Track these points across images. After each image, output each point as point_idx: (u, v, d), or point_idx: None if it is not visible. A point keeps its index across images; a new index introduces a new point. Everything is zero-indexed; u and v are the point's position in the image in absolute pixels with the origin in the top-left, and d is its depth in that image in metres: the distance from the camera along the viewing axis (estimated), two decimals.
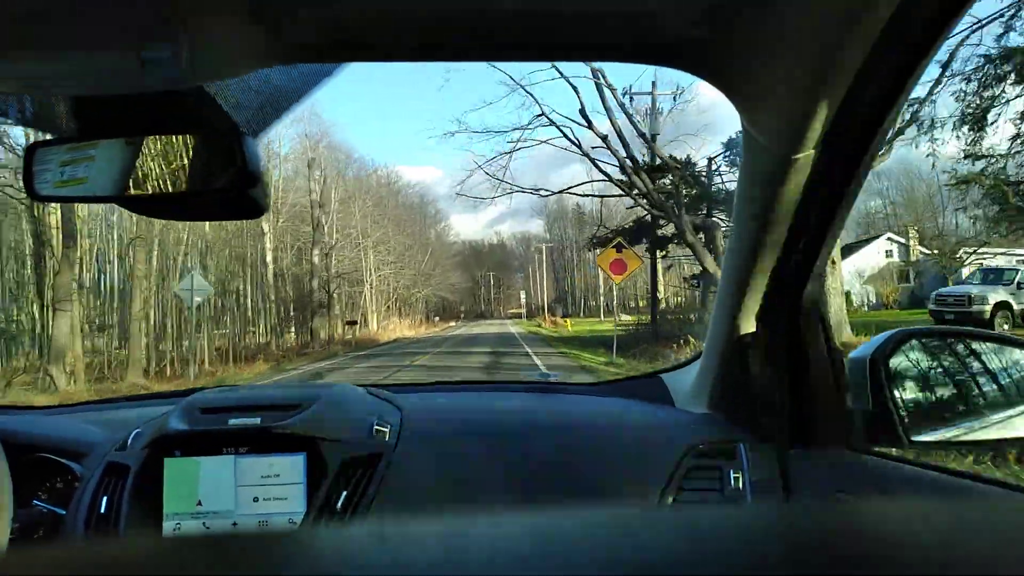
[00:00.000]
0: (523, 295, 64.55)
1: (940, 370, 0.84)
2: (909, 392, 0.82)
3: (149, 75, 0.50)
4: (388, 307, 42.01)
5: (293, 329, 25.24)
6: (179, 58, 0.48)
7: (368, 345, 23.88)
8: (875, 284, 25.56)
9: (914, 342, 0.84)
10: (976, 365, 0.83)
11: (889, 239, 27.66)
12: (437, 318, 56.75)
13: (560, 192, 17.05)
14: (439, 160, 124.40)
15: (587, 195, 16.92)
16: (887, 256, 27.21)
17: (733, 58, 0.63)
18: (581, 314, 62.66)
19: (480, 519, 0.26)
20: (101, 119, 0.62)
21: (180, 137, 0.61)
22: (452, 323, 64.47)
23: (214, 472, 1.01)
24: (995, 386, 0.82)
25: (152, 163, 0.61)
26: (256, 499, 1.00)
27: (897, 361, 0.82)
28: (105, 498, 0.97)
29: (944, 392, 0.84)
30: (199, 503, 0.99)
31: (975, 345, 0.84)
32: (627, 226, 18.70)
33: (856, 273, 25.64)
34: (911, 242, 27.23)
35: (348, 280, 32.84)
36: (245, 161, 0.59)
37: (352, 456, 1.00)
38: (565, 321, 32.47)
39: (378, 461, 1.00)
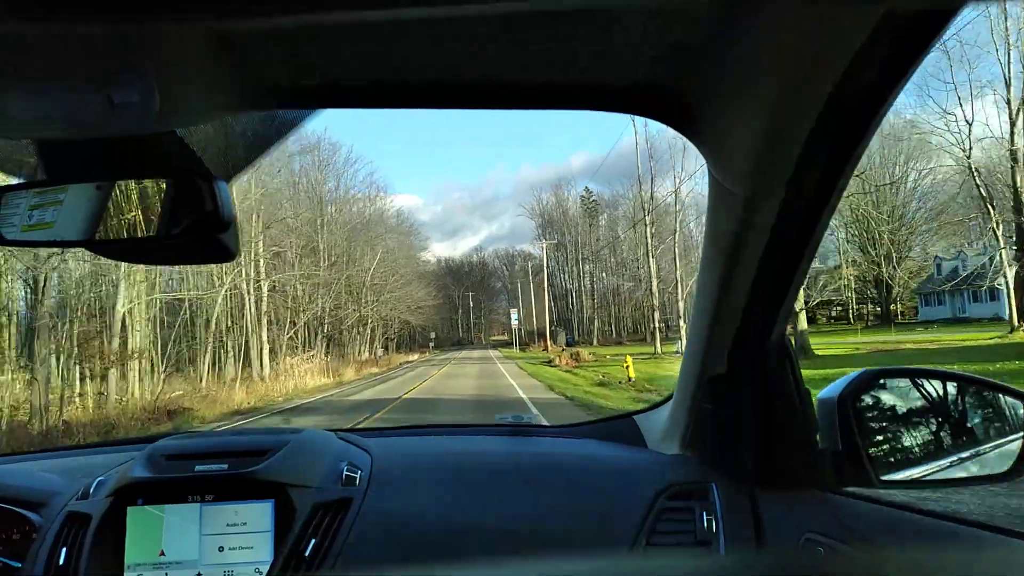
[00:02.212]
0: (514, 315, 59.24)
1: (908, 409, 1.05)
2: (878, 432, 1.02)
3: (119, 119, 0.60)
4: (303, 336, 31.82)
5: None
6: (150, 102, 0.57)
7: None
8: None
9: (882, 381, 1.05)
10: (944, 404, 1.04)
11: None
12: (381, 351, 44.99)
13: None
14: (419, 188, 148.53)
15: None
16: None
17: (695, 104, 0.76)
18: (594, 342, 56.53)
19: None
20: (70, 163, 0.74)
21: (151, 181, 0.73)
22: (412, 357, 52.31)
23: (178, 521, 1.16)
24: (962, 424, 1.03)
25: (122, 207, 0.73)
26: (221, 548, 1.16)
27: (866, 401, 1.02)
28: (64, 549, 1.13)
29: (912, 431, 1.04)
30: (162, 553, 1.15)
31: (942, 384, 1.05)
32: None
33: None
34: None
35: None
36: (216, 206, 0.71)
37: (321, 502, 1.17)
38: (626, 364, 18.30)
39: (348, 507, 1.18)
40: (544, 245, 59.71)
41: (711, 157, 0.87)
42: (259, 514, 1.19)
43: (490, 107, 0.80)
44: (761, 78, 0.69)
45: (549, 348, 45.90)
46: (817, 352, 19.89)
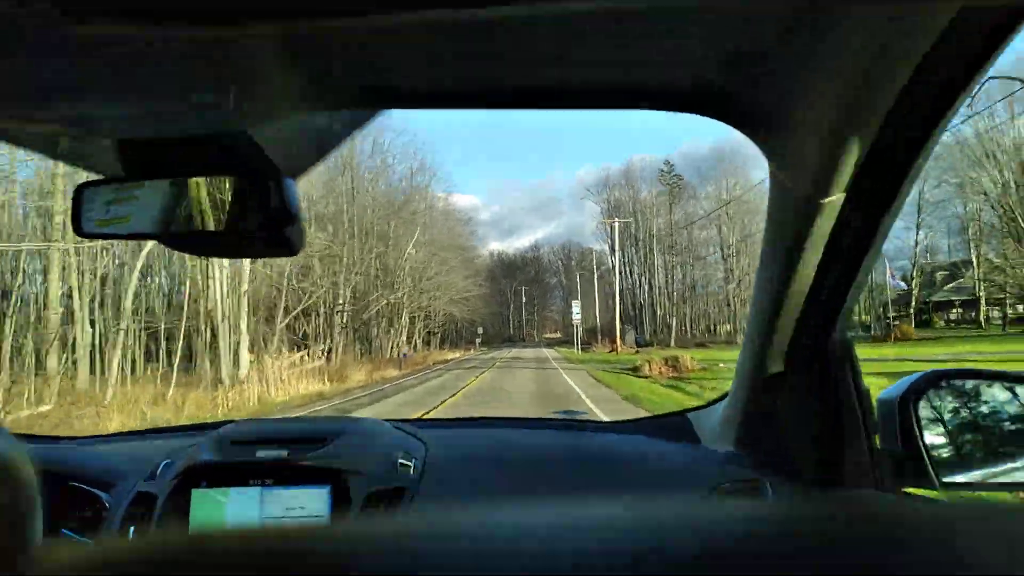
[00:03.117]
0: (575, 307, 53.41)
1: (972, 411, 1.13)
2: (940, 433, 1.10)
3: (197, 119, 0.70)
4: (317, 327, 29.18)
5: None
6: (225, 103, 0.67)
7: None
8: None
9: (945, 383, 1.12)
10: (1008, 406, 1.13)
11: None
12: (404, 353, 38.54)
13: None
14: (478, 188, 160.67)
15: None
16: None
17: (759, 104, 0.83)
18: (671, 343, 50.48)
19: (508, 512, 0.41)
20: (147, 160, 0.84)
21: (221, 178, 0.83)
22: (450, 356, 47.53)
23: (240, 503, 1.31)
24: None
25: (193, 203, 0.83)
26: None
27: (928, 402, 1.10)
28: (132, 528, 1.28)
29: (976, 433, 1.12)
30: None
31: (1007, 386, 1.13)
32: None
33: None
34: None
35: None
36: (283, 201, 0.81)
37: (376, 490, 1.32)
38: None
39: (402, 495, 1.32)
40: (615, 224, 54.59)
41: (773, 158, 0.94)
42: (316, 499, 1.34)
43: (552, 107, 0.86)
44: (825, 79, 0.75)
45: (619, 349, 42.25)
46: None
